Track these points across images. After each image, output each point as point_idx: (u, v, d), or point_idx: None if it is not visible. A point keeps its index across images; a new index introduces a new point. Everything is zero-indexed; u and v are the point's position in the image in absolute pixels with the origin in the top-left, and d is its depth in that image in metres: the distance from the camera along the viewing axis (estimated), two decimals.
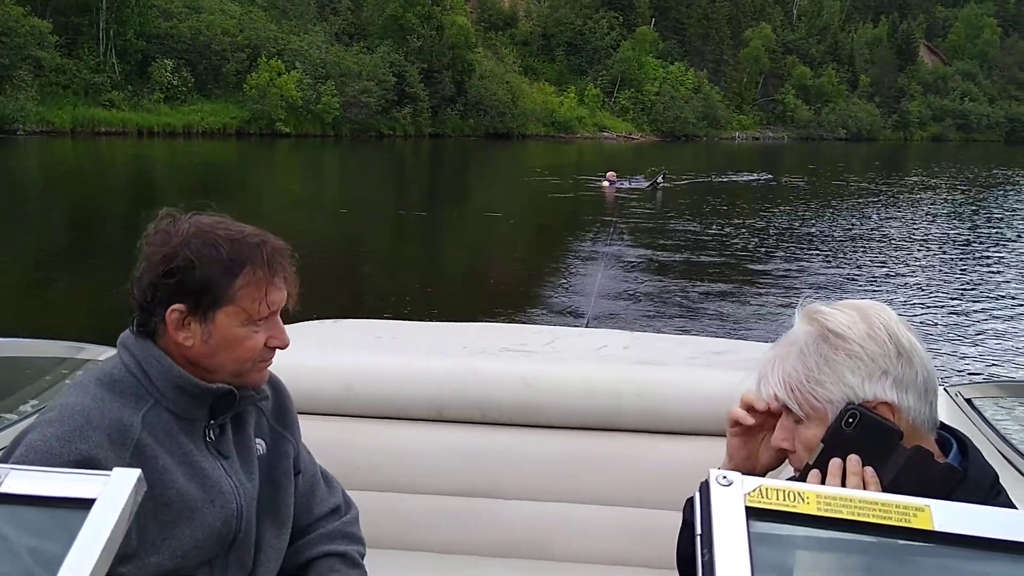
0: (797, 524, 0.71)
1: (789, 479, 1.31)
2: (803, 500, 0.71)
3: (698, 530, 0.71)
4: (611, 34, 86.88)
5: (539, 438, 2.22)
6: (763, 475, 1.29)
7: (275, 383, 1.69)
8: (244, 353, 1.47)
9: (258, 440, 1.61)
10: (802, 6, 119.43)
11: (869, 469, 1.16)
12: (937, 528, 0.69)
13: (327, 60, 60.57)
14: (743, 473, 0.78)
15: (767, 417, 1.30)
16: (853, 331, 1.21)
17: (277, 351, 1.52)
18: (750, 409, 1.31)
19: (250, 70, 56.01)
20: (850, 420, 1.18)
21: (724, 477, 0.73)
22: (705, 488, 0.73)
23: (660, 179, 27.68)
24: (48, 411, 1.44)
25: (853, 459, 1.17)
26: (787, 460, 1.32)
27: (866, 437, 1.17)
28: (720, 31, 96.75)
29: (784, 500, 0.71)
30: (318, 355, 2.33)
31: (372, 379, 2.26)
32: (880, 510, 0.71)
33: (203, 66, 55.85)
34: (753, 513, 0.70)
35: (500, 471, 2.21)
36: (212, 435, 1.51)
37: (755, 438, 1.33)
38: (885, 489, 1.13)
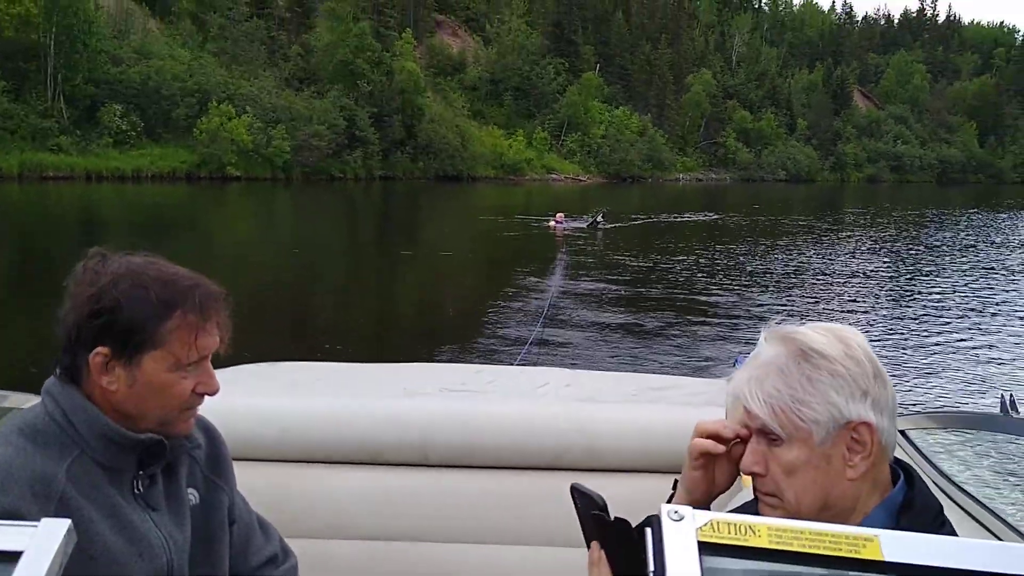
0: (749, 558, 0.70)
1: (739, 508, 1.40)
2: (755, 533, 0.70)
3: (651, 567, 0.70)
4: (557, 79, 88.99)
5: (481, 479, 2.18)
6: (714, 499, 1.33)
7: (209, 430, 1.64)
8: (171, 400, 1.42)
9: (191, 490, 1.56)
10: (741, 53, 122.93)
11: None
12: (886, 558, 0.69)
13: (277, 104, 61.28)
14: (703, 505, 0.75)
15: (734, 444, 1.28)
16: (833, 350, 1.20)
17: (208, 397, 1.48)
18: (716, 438, 1.28)
19: (200, 115, 56.36)
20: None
21: (675, 512, 0.72)
22: (657, 523, 0.71)
23: (600, 218, 28.70)
24: None
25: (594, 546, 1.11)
26: (737, 485, 1.32)
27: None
28: (663, 77, 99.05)
29: (736, 534, 0.70)
30: (253, 399, 2.29)
31: (309, 423, 2.20)
32: (830, 541, 0.70)
33: (152, 111, 56.17)
34: (705, 548, 0.69)
35: (442, 514, 2.16)
36: (140, 486, 1.46)
37: (713, 468, 1.31)
38: None
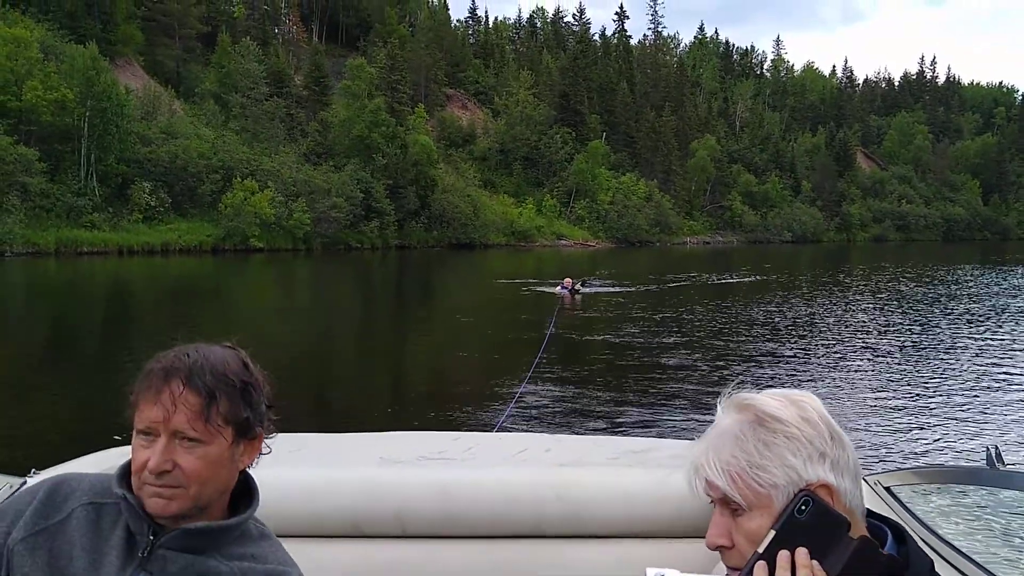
0: None
1: None
2: None
3: None
4: (565, 148, 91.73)
5: (461, 550, 2.13)
6: None
7: None
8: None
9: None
10: (744, 118, 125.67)
11: (816, 563, 1.10)
12: None
13: (298, 179, 63.77)
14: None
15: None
16: (787, 414, 1.17)
17: None
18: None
19: (224, 190, 58.81)
20: (803, 507, 1.12)
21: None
22: None
23: (580, 285, 30.67)
24: None
25: (802, 552, 1.10)
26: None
27: (816, 526, 1.12)
28: (668, 143, 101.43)
29: None
30: None
31: (283, 495, 2.13)
32: None
33: (180, 187, 58.70)
34: None
35: None
36: (147, 552, 1.42)
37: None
38: None
